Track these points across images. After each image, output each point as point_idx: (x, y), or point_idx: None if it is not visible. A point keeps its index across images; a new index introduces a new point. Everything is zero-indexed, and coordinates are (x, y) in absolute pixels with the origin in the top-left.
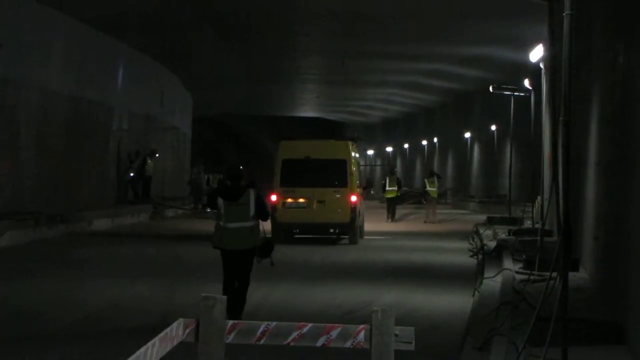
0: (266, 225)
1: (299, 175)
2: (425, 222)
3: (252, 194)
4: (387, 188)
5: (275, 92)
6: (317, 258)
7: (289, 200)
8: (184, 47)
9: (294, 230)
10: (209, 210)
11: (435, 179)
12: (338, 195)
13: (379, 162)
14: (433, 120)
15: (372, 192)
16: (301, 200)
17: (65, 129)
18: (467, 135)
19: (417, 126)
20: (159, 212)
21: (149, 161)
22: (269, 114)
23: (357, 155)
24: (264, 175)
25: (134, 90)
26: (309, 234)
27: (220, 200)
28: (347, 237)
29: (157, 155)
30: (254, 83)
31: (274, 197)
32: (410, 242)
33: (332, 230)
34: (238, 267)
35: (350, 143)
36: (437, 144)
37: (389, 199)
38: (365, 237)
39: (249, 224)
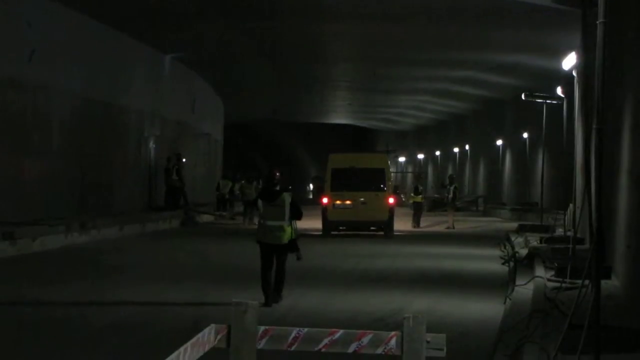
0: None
1: (346, 181)
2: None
3: (287, 197)
4: (412, 194)
5: (306, 99)
6: (348, 265)
7: (338, 202)
8: (217, 53)
9: (340, 228)
10: (224, 214)
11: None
12: (378, 198)
13: (410, 169)
14: (465, 127)
15: (402, 198)
16: (348, 202)
17: (97, 135)
18: (499, 142)
19: (449, 133)
20: (191, 219)
21: (174, 174)
22: (300, 120)
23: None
24: (296, 181)
25: (166, 95)
26: (353, 230)
27: (259, 201)
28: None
29: (179, 164)
30: (286, 89)
31: (325, 200)
32: (441, 249)
33: (372, 228)
34: (273, 258)
35: (386, 155)
36: (468, 151)
37: (414, 205)
38: (395, 248)
39: (284, 222)
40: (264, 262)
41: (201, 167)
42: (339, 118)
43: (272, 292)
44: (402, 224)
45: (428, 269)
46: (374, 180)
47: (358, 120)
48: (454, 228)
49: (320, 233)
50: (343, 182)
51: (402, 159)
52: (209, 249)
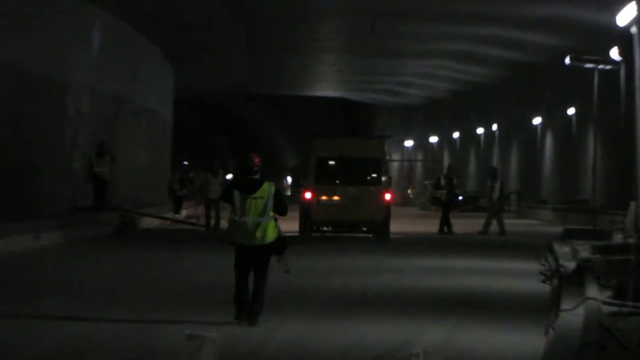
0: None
1: (334, 173)
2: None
3: (269, 188)
4: (432, 188)
5: (283, 66)
6: (339, 281)
7: (324, 197)
8: (166, 8)
9: (325, 228)
10: (177, 216)
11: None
12: (372, 194)
13: (419, 156)
14: (492, 101)
15: (410, 194)
16: (336, 198)
17: (3, 115)
18: (537, 121)
19: (471, 110)
20: (128, 223)
21: (95, 162)
22: (276, 94)
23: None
24: (271, 172)
25: (98, 62)
26: (342, 232)
27: (235, 193)
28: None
29: (106, 154)
30: (256, 54)
31: (308, 195)
32: (461, 262)
33: (364, 228)
34: (252, 264)
35: (383, 140)
36: (496, 134)
37: (433, 202)
38: (399, 256)
39: (266, 219)
40: (239, 269)
41: (144, 154)
42: (326, 90)
43: (249, 309)
44: (409, 225)
45: (444, 288)
46: (367, 171)
47: (351, 92)
48: (503, 233)
49: (297, 235)
50: (330, 173)
51: (408, 144)
52: (158, 260)
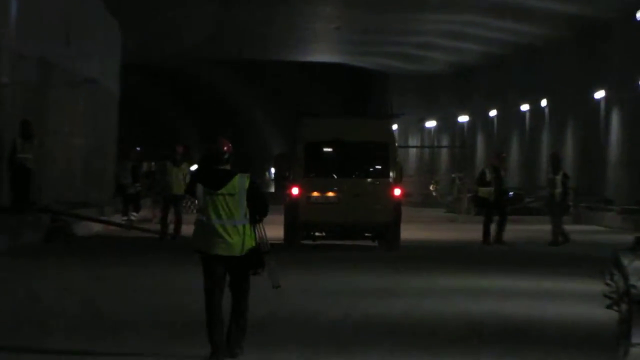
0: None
1: (329, 162)
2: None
3: (242, 181)
4: (479, 187)
5: (263, 21)
6: (338, 307)
7: (315, 194)
8: None
9: (317, 234)
10: (132, 217)
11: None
12: (378, 189)
13: (445, 141)
14: (539, 68)
15: (433, 191)
16: (330, 194)
17: None
18: (599, 95)
19: (512, 80)
20: (60, 230)
21: (21, 147)
22: (254, 58)
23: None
24: (250, 162)
25: (20, 17)
26: (338, 238)
27: (200, 188)
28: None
29: (33, 136)
30: (232, 6)
31: (295, 191)
32: (500, 281)
33: (367, 233)
34: (225, 279)
35: (391, 121)
36: (546, 111)
37: (478, 202)
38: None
39: (240, 221)
40: (210, 285)
41: (82, 137)
42: (322, 54)
43: (227, 338)
44: (432, 232)
45: (479, 315)
46: (371, 160)
47: (354, 57)
48: (567, 241)
49: (282, 243)
50: (324, 163)
51: (430, 125)
52: (101, 279)
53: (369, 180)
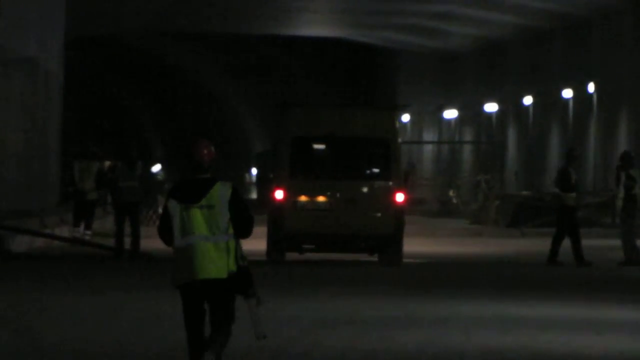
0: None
1: (320, 161)
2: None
3: (222, 190)
4: (564, 192)
5: None
6: (338, 341)
7: (303, 198)
8: None
9: (304, 247)
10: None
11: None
12: (377, 194)
13: (468, 135)
14: (586, 45)
15: (453, 197)
16: (321, 199)
17: None
18: None
19: (552, 60)
20: None
21: None
22: (227, 31)
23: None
24: (227, 163)
25: None
26: (330, 251)
27: (173, 205)
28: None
29: None
30: None
31: (279, 194)
32: (540, 310)
33: (364, 245)
34: (205, 308)
35: (394, 112)
36: (594, 98)
37: (570, 211)
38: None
39: (222, 237)
40: (190, 318)
41: (17, 130)
42: (316, 26)
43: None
44: (452, 246)
45: (509, 351)
46: (369, 159)
47: (357, 30)
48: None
49: (265, 259)
50: (314, 162)
51: (451, 115)
52: (46, 307)
53: (366, 183)
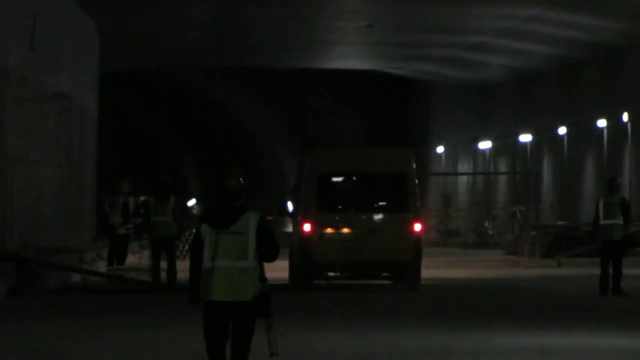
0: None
1: (343, 196)
2: None
3: (252, 219)
4: (605, 220)
5: (274, 19)
6: None
7: (329, 230)
8: None
9: (329, 274)
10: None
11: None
12: (397, 224)
13: (503, 166)
14: (620, 74)
15: (488, 229)
16: (345, 230)
17: None
18: None
19: (586, 89)
20: (28, 281)
21: None
22: (263, 65)
23: None
24: (259, 195)
25: None
26: (353, 277)
27: (204, 229)
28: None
29: None
30: (230, 3)
31: (307, 227)
32: (578, 340)
33: (385, 272)
34: (228, 328)
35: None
36: (629, 126)
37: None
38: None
39: (247, 263)
40: (212, 337)
41: (53, 166)
42: (349, 58)
43: None
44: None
45: None
46: (389, 193)
47: (391, 62)
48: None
49: (286, 285)
50: (339, 196)
51: (485, 145)
52: (74, 341)
53: (386, 215)
